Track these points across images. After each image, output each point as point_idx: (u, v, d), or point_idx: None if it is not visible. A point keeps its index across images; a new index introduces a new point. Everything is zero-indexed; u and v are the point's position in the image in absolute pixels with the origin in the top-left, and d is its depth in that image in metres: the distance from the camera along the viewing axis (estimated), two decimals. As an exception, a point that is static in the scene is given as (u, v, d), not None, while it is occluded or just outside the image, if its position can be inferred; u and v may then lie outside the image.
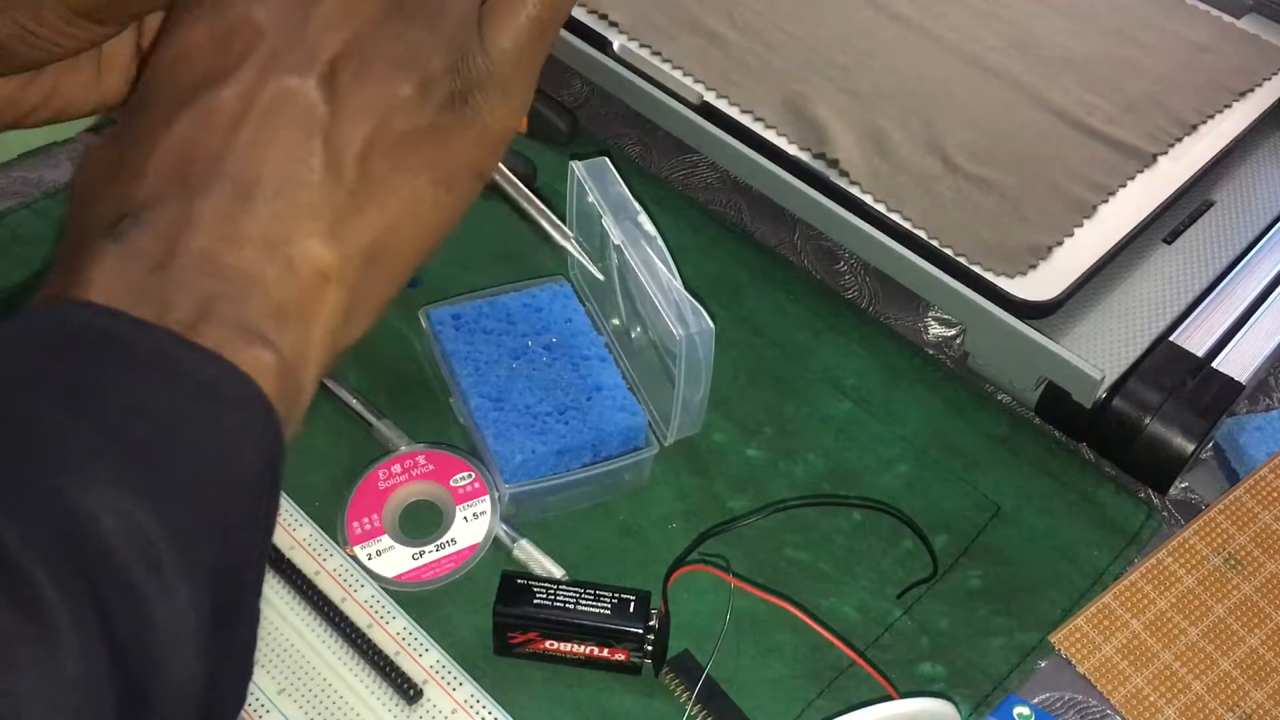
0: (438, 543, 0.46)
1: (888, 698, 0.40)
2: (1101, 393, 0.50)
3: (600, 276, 0.50)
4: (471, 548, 0.46)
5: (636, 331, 0.52)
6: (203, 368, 0.27)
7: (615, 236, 0.48)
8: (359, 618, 0.43)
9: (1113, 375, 0.51)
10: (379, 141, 0.31)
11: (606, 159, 0.51)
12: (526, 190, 0.50)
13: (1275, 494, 0.50)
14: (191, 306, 0.28)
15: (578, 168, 0.51)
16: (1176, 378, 0.50)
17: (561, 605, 0.43)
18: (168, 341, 0.27)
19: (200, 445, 0.26)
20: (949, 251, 0.52)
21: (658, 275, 0.47)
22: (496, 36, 0.34)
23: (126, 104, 0.33)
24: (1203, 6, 0.69)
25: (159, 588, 0.24)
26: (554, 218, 0.50)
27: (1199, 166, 0.58)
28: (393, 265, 0.32)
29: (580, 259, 0.49)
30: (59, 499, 0.24)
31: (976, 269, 0.52)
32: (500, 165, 0.51)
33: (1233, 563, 0.48)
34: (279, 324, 0.29)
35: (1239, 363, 0.51)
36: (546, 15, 0.36)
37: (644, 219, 0.49)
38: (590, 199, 0.50)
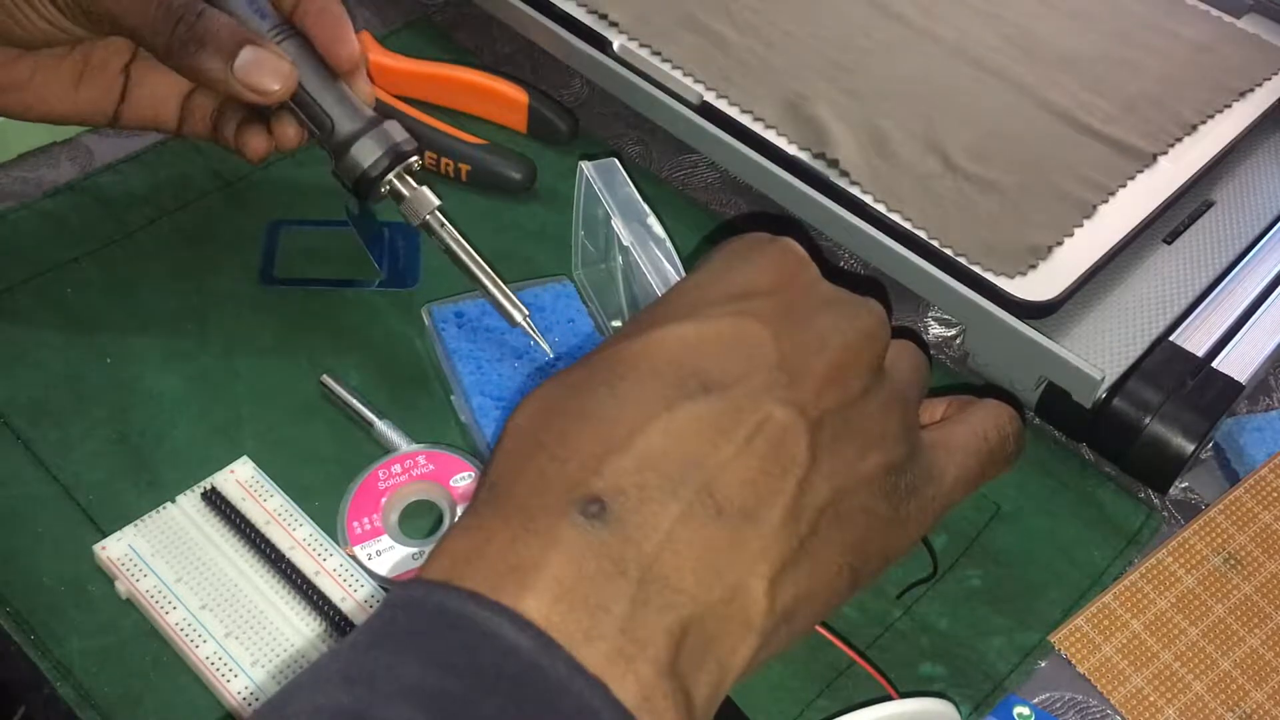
0: (438, 542, 0.46)
1: (888, 698, 0.40)
2: (1101, 393, 0.50)
3: (550, 354, 0.50)
4: (472, 547, 0.46)
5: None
6: None
7: (624, 238, 0.48)
8: (359, 618, 0.43)
9: (1113, 375, 0.51)
10: (834, 506, 0.30)
11: (615, 160, 0.51)
12: (486, 265, 0.49)
13: (1275, 494, 0.50)
14: (659, 641, 0.26)
15: (587, 168, 0.51)
16: (1176, 378, 0.50)
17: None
18: (596, 699, 0.25)
19: None
20: (949, 251, 0.52)
21: (666, 277, 0.47)
22: (945, 460, 0.35)
23: (604, 344, 0.31)
24: (1203, 6, 0.69)
25: None
26: (512, 296, 0.48)
27: (1199, 166, 0.58)
28: (793, 630, 0.30)
29: (533, 335, 0.48)
30: None
31: (976, 269, 0.52)
32: (460, 239, 0.49)
33: (1233, 563, 0.48)
34: (698, 666, 0.28)
35: (1239, 363, 0.51)
36: (991, 449, 0.37)
37: (653, 221, 0.49)
38: (598, 200, 0.50)
